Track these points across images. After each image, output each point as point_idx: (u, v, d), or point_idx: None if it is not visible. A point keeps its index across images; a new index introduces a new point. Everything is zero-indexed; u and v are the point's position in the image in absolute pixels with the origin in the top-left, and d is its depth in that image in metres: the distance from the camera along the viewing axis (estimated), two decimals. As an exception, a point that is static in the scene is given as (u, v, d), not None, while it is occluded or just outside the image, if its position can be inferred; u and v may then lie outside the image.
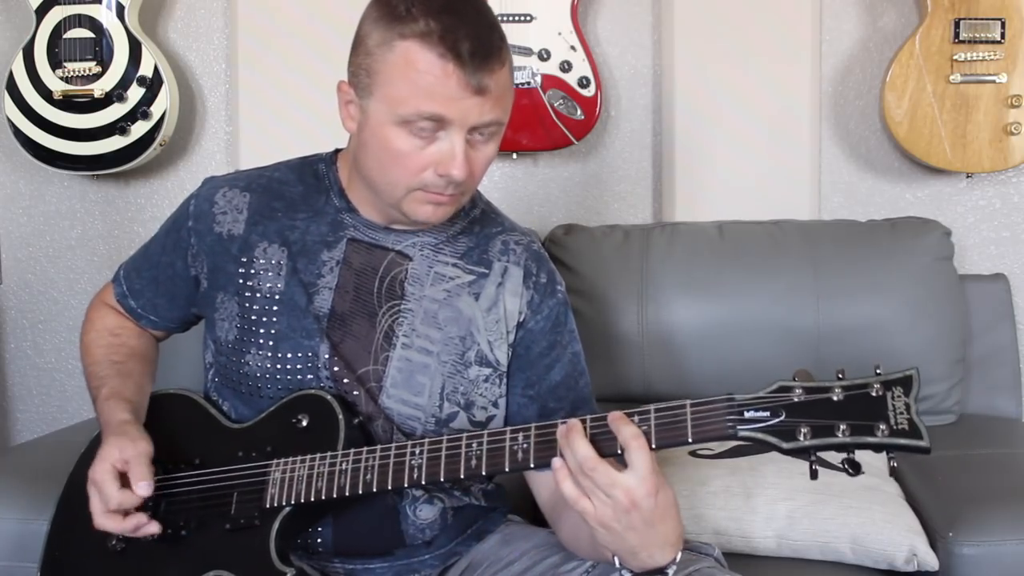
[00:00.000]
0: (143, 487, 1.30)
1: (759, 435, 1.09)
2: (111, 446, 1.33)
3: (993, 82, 2.19)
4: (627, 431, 1.13)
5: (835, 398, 1.08)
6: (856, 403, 1.07)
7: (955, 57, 2.19)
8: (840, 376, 1.10)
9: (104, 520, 1.31)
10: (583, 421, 1.17)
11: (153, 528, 1.31)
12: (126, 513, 1.31)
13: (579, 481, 1.15)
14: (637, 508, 1.13)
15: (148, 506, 1.34)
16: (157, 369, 1.60)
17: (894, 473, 1.85)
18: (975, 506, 1.70)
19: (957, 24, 2.18)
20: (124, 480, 1.31)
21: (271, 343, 1.40)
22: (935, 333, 2.08)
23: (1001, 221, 2.40)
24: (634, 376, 2.11)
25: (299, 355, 1.39)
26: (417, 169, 1.29)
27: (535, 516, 1.55)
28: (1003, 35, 2.18)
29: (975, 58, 2.19)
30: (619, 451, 1.14)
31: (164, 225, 1.54)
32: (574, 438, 1.15)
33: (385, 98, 1.28)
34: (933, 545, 1.65)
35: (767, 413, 1.09)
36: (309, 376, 1.39)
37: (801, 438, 1.08)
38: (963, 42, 2.19)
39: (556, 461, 1.17)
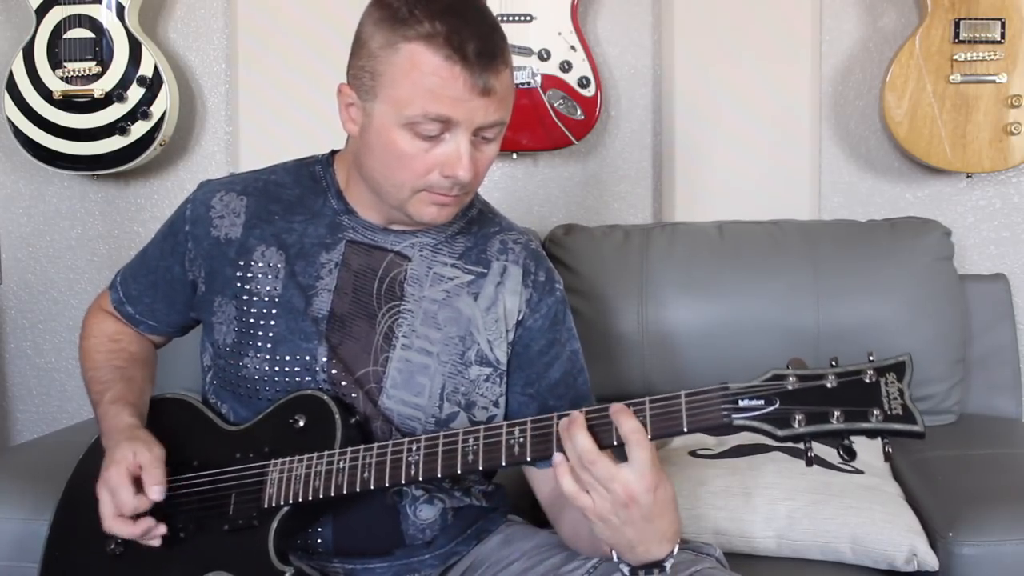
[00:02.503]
0: (156, 491, 1.30)
1: (754, 423, 1.09)
2: (125, 449, 1.33)
3: (993, 82, 2.19)
4: (628, 425, 1.14)
5: (829, 385, 1.08)
6: (850, 389, 1.07)
7: (955, 57, 2.19)
8: (833, 363, 1.09)
9: (115, 524, 1.30)
10: (584, 413, 1.17)
11: (161, 530, 1.31)
12: (136, 517, 1.30)
13: (578, 475, 1.15)
14: (635, 503, 1.14)
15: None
16: (156, 373, 1.60)
17: (895, 473, 1.85)
18: (975, 506, 1.69)
19: (957, 24, 2.18)
20: (137, 484, 1.31)
21: (269, 346, 1.40)
22: (935, 333, 2.08)
23: (1001, 221, 2.40)
24: (634, 376, 2.11)
25: (297, 358, 1.39)
26: (423, 171, 1.30)
27: (535, 516, 1.55)
28: (1003, 35, 2.18)
29: (975, 58, 2.19)
30: (615, 443, 1.15)
31: (161, 230, 1.54)
32: (575, 431, 1.15)
33: (390, 100, 1.27)
34: (933, 545, 1.65)
35: (761, 401, 1.09)
36: (307, 378, 1.39)
37: (796, 425, 1.08)
38: (963, 42, 2.19)
39: (557, 456, 1.17)
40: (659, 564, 1.20)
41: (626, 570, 1.22)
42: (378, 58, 1.28)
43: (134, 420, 1.40)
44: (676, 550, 1.21)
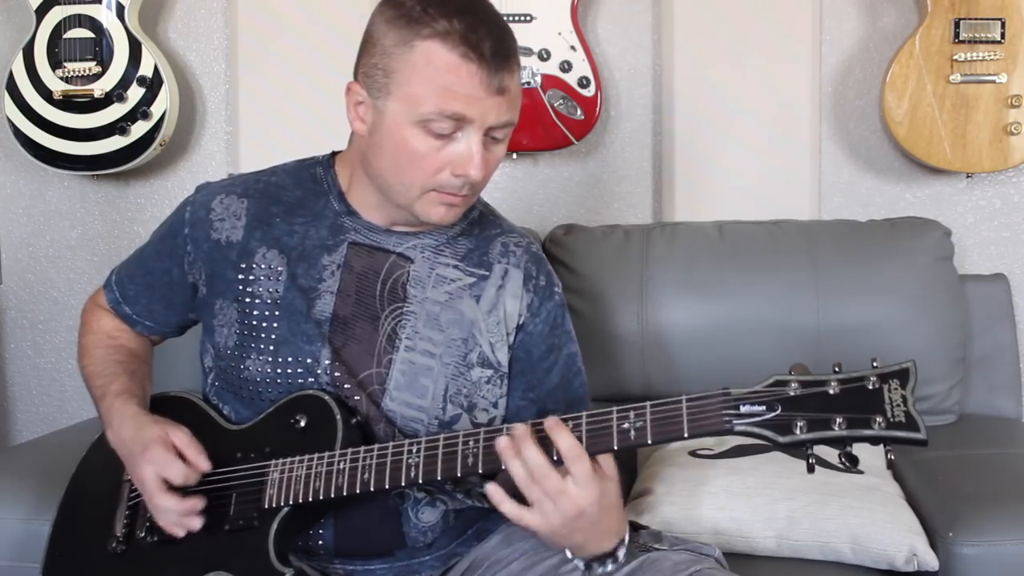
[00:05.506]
0: (205, 462, 1.32)
1: (755, 429, 1.09)
2: (156, 429, 1.34)
3: (993, 82, 2.19)
4: (565, 442, 1.16)
5: (831, 391, 1.08)
6: (853, 396, 1.07)
7: (955, 57, 2.19)
8: (836, 369, 1.09)
9: (164, 499, 1.31)
10: (530, 426, 1.19)
11: (197, 523, 1.32)
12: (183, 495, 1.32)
13: (528, 489, 1.18)
14: (583, 515, 1.18)
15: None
16: (154, 371, 1.59)
17: (895, 473, 1.85)
18: (975, 506, 1.70)
19: (957, 24, 2.18)
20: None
21: (271, 348, 1.40)
22: (935, 333, 2.08)
23: (1001, 221, 2.40)
24: (634, 376, 2.11)
25: (299, 360, 1.39)
26: (434, 170, 1.29)
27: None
28: (1003, 35, 2.18)
29: (975, 58, 2.19)
30: (555, 458, 1.17)
31: (158, 231, 1.54)
32: (525, 446, 1.17)
33: (404, 98, 1.27)
34: (933, 545, 1.65)
35: (763, 407, 1.09)
36: (309, 380, 1.39)
37: (797, 432, 1.08)
38: (963, 42, 2.19)
39: (490, 486, 1.20)
40: (611, 554, 1.26)
41: (581, 564, 1.27)
42: (392, 55, 1.28)
43: (143, 410, 1.40)
44: (626, 539, 1.26)
